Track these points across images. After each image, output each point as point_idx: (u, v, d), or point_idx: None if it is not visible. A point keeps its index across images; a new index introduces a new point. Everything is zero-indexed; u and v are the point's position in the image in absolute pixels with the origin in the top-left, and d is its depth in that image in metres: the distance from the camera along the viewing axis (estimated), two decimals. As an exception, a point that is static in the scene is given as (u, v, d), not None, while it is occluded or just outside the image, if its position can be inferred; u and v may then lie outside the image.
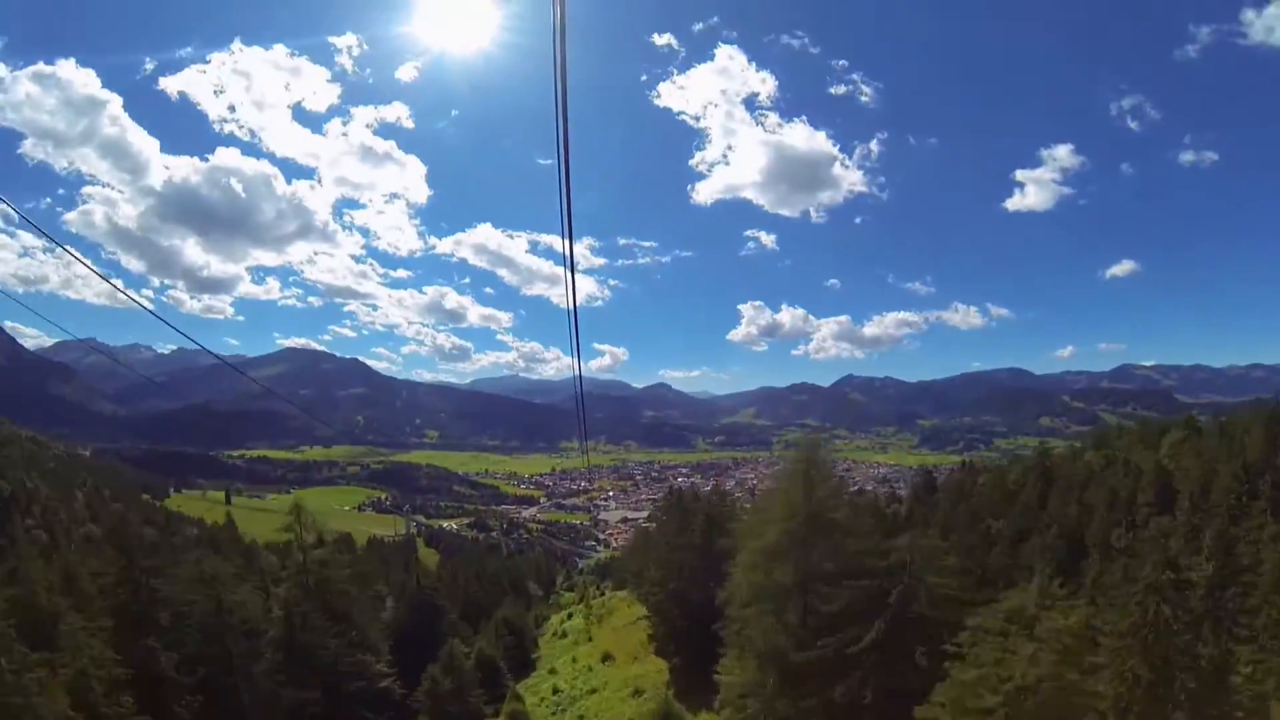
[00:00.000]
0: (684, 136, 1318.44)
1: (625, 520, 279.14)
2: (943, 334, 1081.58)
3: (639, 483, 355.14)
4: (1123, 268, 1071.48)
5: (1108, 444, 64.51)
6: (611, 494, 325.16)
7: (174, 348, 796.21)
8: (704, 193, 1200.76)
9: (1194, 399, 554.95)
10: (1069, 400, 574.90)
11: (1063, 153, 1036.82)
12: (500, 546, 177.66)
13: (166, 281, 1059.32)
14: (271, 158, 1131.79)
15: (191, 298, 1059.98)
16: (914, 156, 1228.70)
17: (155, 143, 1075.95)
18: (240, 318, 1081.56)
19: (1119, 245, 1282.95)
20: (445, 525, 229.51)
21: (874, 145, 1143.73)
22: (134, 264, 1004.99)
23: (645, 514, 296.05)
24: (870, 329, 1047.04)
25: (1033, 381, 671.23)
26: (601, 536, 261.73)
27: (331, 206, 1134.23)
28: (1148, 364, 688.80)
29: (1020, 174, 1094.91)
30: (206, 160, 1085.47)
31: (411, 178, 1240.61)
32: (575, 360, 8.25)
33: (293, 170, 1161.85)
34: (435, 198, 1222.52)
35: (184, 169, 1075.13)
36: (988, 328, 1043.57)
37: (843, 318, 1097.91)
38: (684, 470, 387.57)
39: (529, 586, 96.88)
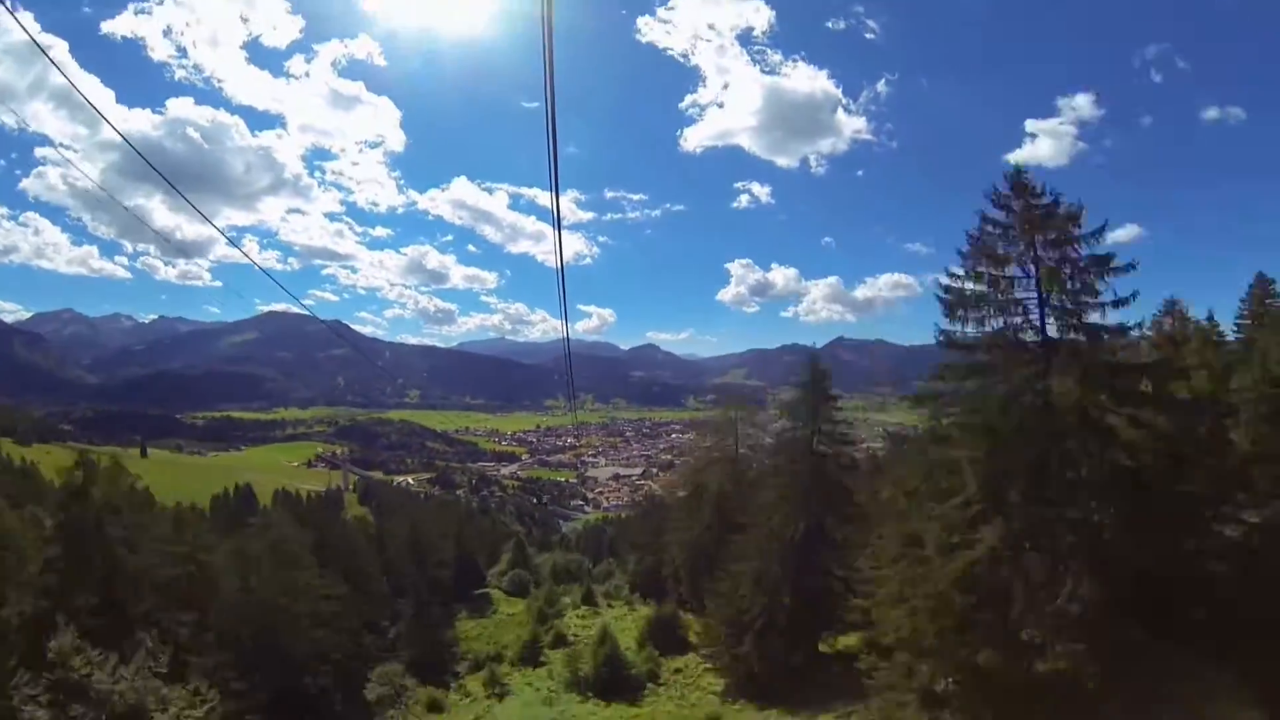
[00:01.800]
0: (671, 76, 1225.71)
1: (617, 477, 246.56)
2: (935, 299, 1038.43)
3: (630, 439, 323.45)
4: (1125, 233, 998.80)
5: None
6: (600, 450, 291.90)
7: (155, 316, 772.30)
8: (695, 139, 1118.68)
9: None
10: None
11: (1083, 102, 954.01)
12: (462, 504, 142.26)
13: (140, 247, 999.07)
14: (229, 105, 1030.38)
15: (166, 264, 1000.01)
16: (924, 102, 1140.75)
17: (110, 93, 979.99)
18: (217, 283, 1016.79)
19: (1125, 208, 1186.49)
20: (402, 481, 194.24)
21: (881, 87, 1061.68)
22: (104, 229, 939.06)
23: (639, 470, 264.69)
24: (862, 291, 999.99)
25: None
26: (590, 495, 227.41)
27: (302, 158, 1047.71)
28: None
29: (1031, 124, 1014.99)
30: (161, 113, 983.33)
31: (385, 123, 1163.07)
32: (561, 299, 7.85)
33: (256, 119, 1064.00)
34: (413, 146, 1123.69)
35: (140, 122, 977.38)
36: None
37: (833, 279, 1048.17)
38: (677, 426, 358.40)
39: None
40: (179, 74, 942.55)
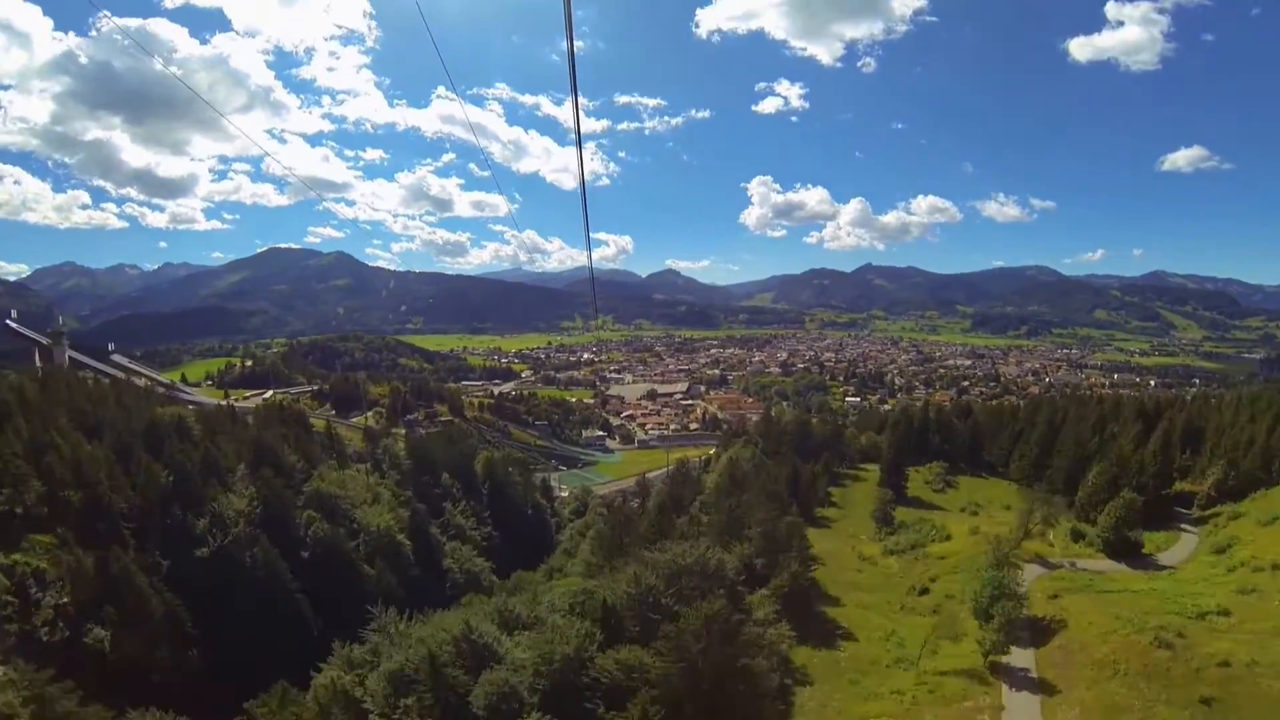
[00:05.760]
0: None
1: (654, 395, 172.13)
2: (974, 227, 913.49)
3: (661, 354, 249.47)
4: (1187, 155, 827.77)
5: None
6: (626, 364, 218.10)
7: (159, 265, 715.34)
8: (711, 21, 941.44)
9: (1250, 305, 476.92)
10: (1120, 295, 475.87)
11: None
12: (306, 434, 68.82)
13: (122, 192, 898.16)
14: (162, 10, 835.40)
15: (153, 209, 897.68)
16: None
17: (35, 8, 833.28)
18: (214, 224, 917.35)
19: (1196, 123, 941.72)
20: (253, 397, 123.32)
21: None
22: (78, 173, 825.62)
23: (682, 387, 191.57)
24: (895, 216, 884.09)
25: (1065, 280, 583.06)
26: (616, 421, 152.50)
27: (267, 64, 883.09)
28: (1181, 273, 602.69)
29: (1113, 8, 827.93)
30: (88, 35, 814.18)
31: (350, 11, 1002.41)
32: (580, 174, 7.66)
33: (198, 20, 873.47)
34: (388, 42, 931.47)
35: (71, 44, 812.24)
36: (1024, 221, 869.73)
37: (859, 200, 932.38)
38: (714, 343, 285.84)
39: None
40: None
